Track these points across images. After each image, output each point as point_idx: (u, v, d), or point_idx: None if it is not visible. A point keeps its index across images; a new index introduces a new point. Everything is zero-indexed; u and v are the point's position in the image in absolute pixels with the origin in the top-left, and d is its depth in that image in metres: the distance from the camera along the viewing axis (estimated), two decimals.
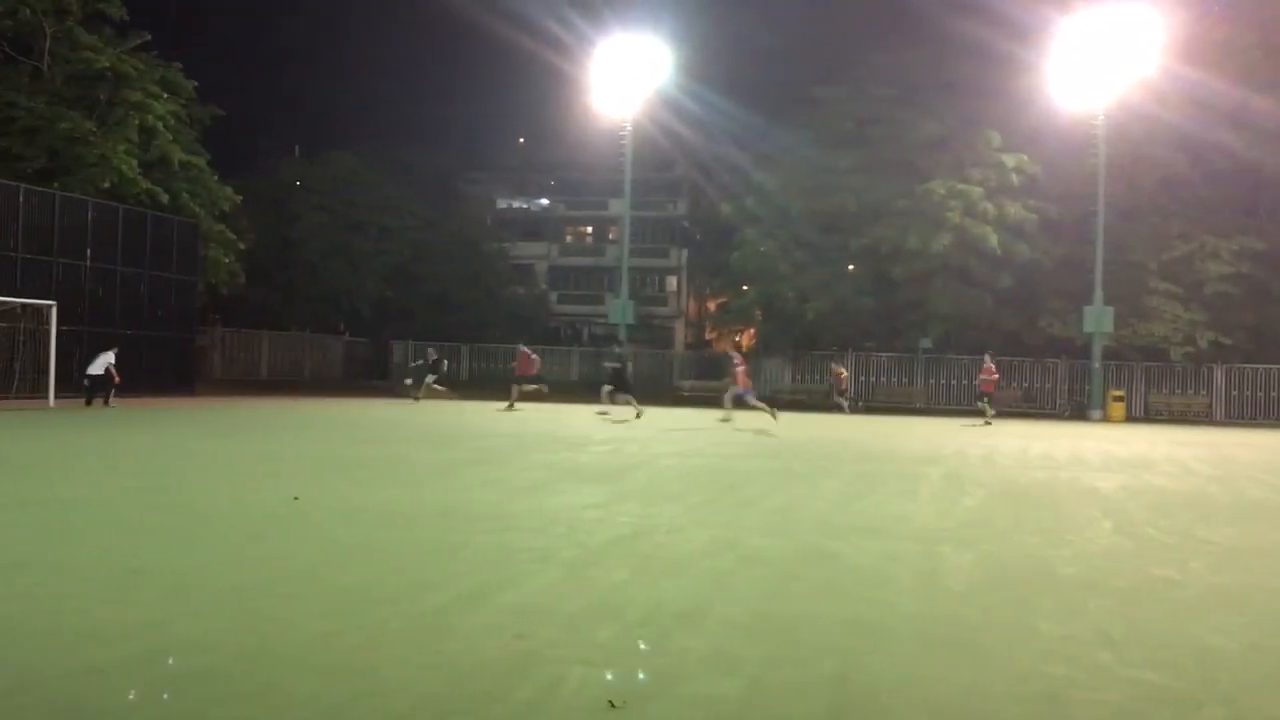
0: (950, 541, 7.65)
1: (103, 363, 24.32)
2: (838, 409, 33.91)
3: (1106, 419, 34.09)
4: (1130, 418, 34.95)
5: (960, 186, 37.58)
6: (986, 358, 29.24)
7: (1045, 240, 37.93)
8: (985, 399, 28.61)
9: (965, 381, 39.53)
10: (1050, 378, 38.96)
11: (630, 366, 27.77)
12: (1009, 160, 37.96)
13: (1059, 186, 38.19)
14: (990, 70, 38.01)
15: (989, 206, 37.28)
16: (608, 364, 26.85)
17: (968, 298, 37.87)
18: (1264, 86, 34.17)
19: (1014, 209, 37.49)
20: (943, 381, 39.92)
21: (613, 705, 3.76)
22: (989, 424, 26.89)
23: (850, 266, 41.16)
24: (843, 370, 36.26)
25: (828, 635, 4.86)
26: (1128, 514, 9.47)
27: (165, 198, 32.08)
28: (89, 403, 23.95)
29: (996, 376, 29.34)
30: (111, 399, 24.20)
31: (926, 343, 39.42)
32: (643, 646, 4.59)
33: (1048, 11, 34.25)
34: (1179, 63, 33.66)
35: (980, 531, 8.22)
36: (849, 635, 4.86)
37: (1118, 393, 35.45)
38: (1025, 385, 39.14)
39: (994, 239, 36.64)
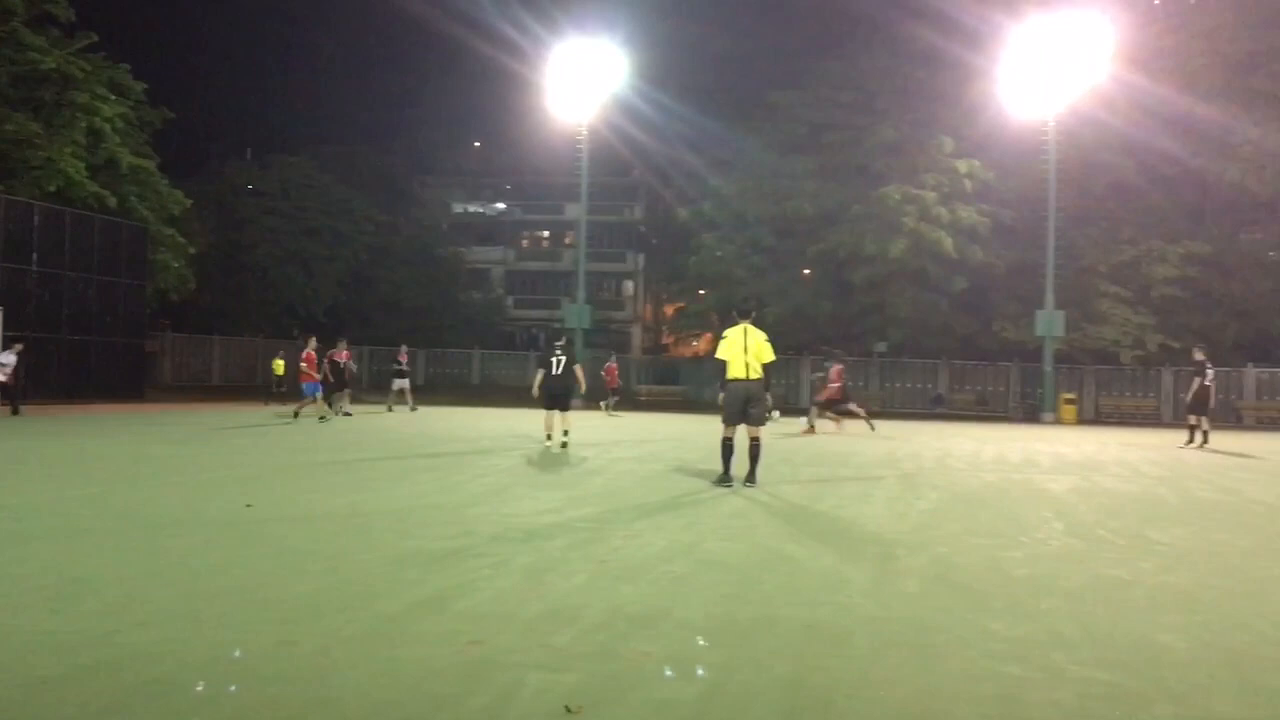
0: (905, 544, 7.70)
1: (6, 365, 22.03)
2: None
3: (1058, 421, 34.53)
4: (1081, 420, 35.42)
5: (915, 192, 37.90)
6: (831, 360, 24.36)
7: (998, 245, 38.37)
8: (833, 408, 23.61)
9: (920, 385, 39.94)
10: (1003, 381, 39.38)
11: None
12: (962, 166, 38.35)
13: (1011, 192, 38.68)
14: (944, 76, 38.48)
15: (943, 211, 37.64)
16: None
17: (924, 302, 38.22)
18: (1209, 94, 34.85)
19: (967, 214, 37.87)
20: (898, 385, 40.27)
21: (569, 711, 3.74)
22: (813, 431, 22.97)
23: (807, 271, 41.39)
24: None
25: (785, 638, 4.87)
26: (1079, 516, 9.59)
27: (113, 201, 31.60)
28: (15, 410, 21.83)
29: (837, 384, 23.62)
30: (19, 406, 22.07)
31: (882, 347, 39.76)
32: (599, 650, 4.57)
33: (1000, 18, 34.68)
34: (1127, 70, 34.21)
35: (934, 534, 8.28)
36: (806, 638, 4.88)
37: (1069, 395, 35.91)
38: (979, 389, 39.56)
39: (948, 243, 36.99)
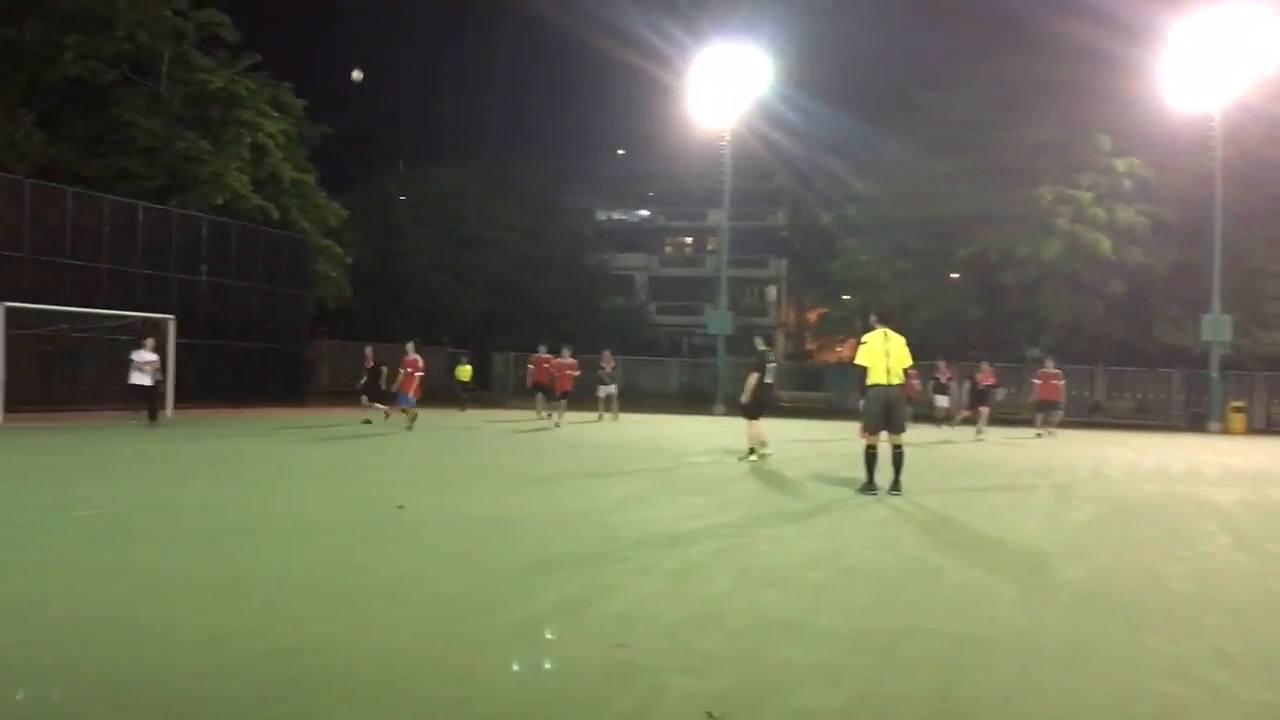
0: (1059, 556, 7.46)
1: (150, 369, 20.42)
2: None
3: (1225, 431, 32.84)
4: (1251, 429, 33.60)
5: (1069, 192, 36.73)
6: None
7: (1159, 245, 36.79)
8: (1047, 411, 25.92)
9: (1075, 392, 38.54)
10: (1165, 388, 37.75)
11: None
12: (1120, 164, 36.98)
13: (1172, 190, 37.06)
14: (1098, 72, 37.05)
15: (1099, 212, 36.37)
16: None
17: (1078, 305, 36.95)
18: None
19: (1126, 214, 36.49)
20: None
21: (711, 716, 3.75)
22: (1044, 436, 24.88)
23: (955, 275, 40.48)
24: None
25: (931, 649, 4.78)
26: (1246, 529, 9.13)
27: (276, 214, 33.13)
28: (152, 416, 20.29)
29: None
30: (160, 412, 21.00)
31: (1035, 351, 38.57)
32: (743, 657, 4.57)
33: (1157, 11, 33.25)
34: None
35: (1089, 545, 8.00)
36: (952, 649, 4.77)
37: (1237, 403, 34.09)
38: (1139, 396, 38.01)
39: (1106, 245, 35.71)
